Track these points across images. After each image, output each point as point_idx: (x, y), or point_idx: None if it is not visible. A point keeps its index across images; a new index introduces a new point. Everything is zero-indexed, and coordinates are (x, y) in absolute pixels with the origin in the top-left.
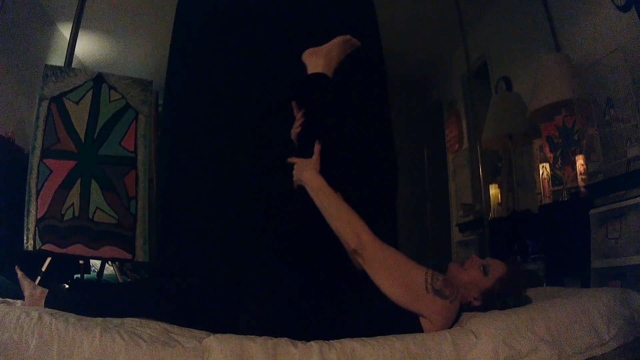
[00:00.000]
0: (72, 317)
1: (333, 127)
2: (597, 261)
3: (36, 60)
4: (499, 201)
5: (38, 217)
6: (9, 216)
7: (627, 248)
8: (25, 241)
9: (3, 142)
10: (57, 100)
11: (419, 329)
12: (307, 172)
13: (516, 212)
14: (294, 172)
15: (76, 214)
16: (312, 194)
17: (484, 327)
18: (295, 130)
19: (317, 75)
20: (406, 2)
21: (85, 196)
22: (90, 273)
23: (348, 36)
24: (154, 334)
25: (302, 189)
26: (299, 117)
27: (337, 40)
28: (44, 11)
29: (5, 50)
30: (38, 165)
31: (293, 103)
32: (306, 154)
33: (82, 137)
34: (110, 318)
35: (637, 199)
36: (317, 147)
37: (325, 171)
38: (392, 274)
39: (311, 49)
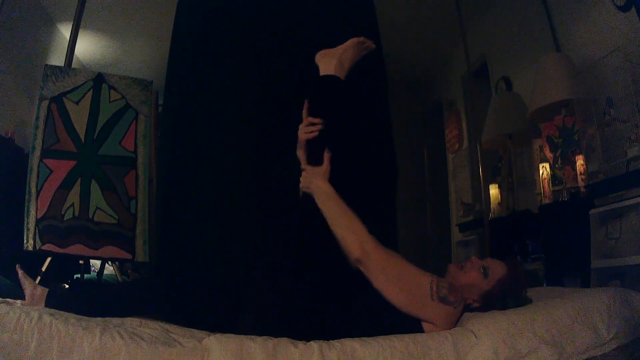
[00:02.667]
0: (72, 317)
1: (343, 131)
2: (597, 261)
3: (36, 60)
4: (499, 201)
5: (38, 217)
6: (9, 216)
7: (627, 248)
8: (25, 241)
9: (3, 142)
10: (57, 100)
11: (420, 329)
12: (317, 181)
13: (516, 212)
14: (302, 180)
15: (76, 214)
16: (318, 201)
17: (484, 327)
18: (307, 135)
19: (328, 77)
20: (406, 2)
21: (85, 196)
22: (90, 273)
23: (362, 38)
24: (154, 334)
25: (307, 197)
26: (313, 121)
27: (351, 42)
28: (44, 11)
29: (5, 50)
30: (38, 165)
31: (305, 104)
32: (315, 159)
33: (82, 137)
34: (110, 318)
35: (637, 199)
36: (326, 155)
37: (332, 175)
38: (396, 282)
39: (324, 51)
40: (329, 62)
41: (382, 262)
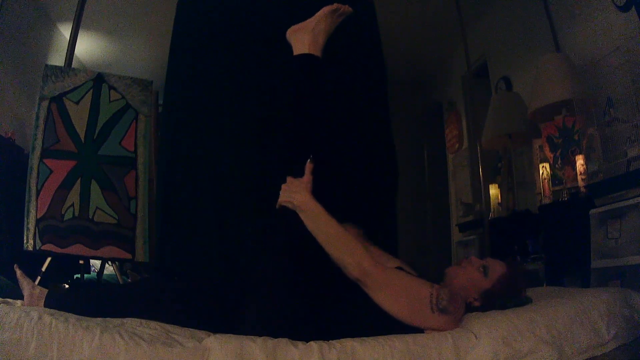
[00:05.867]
0: (72, 317)
1: (326, 114)
2: (597, 261)
3: (36, 60)
4: (499, 201)
5: (38, 217)
6: (9, 216)
7: (627, 248)
8: (25, 241)
9: (3, 142)
10: (57, 100)
11: (420, 330)
12: (299, 196)
13: (516, 212)
14: (282, 192)
15: (76, 214)
16: (306, 221)
17: (484, 327)
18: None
19: (303, 56)
20: (406, 2)
21: (85, 196)
22: (90, 273)
23: (335, 5)
24: (154, 334)
25: (285, 210)
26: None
27: (323, 11)
28: (44, 11)
29: (5, 50)
30: (38, 165)
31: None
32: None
33: (82, 137)
34: (110, 318)
35: (637, 199)
36: (308, 166)
37: (322, 170)
38: (396, 298)
39: (295, 26)
40: (302, 39)
41: (381, 279)
